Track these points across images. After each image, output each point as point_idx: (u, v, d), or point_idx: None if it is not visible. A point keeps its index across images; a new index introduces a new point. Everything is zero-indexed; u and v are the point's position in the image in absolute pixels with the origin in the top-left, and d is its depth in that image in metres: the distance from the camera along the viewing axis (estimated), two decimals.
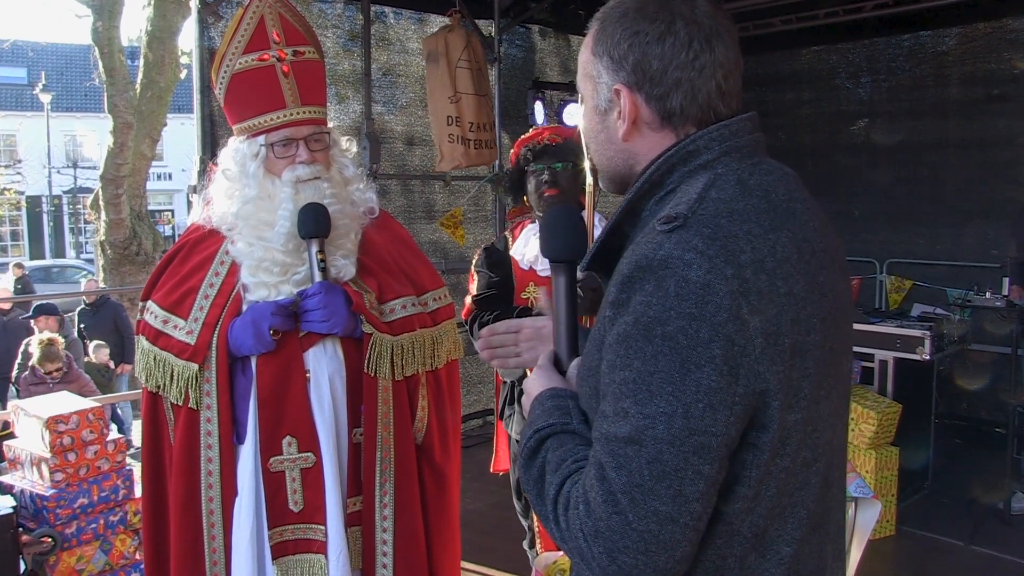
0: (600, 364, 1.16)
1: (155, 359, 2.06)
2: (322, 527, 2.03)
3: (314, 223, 2.00)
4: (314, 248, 2.02)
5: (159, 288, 2.14)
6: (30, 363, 6.83)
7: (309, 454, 2.03)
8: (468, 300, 3.01)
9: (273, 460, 2.02)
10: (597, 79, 1.26)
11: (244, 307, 2.06)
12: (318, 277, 2.01)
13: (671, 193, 1.20)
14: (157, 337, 2.07)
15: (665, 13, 1.20)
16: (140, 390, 2.15)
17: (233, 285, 2.07)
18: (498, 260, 2.98)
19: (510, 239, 3.05)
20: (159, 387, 2.05)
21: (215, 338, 2.02)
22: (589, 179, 2.52)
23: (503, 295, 2.92)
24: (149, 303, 2.14)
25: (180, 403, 2.03)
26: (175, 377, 2.02)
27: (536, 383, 1.36)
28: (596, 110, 1.29)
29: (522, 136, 3.04)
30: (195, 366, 2.01)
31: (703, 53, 1.20)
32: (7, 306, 8.34)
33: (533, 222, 2.95)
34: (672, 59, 1.19)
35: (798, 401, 1.13)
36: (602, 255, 1.30)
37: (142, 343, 2.12)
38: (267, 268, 2.04)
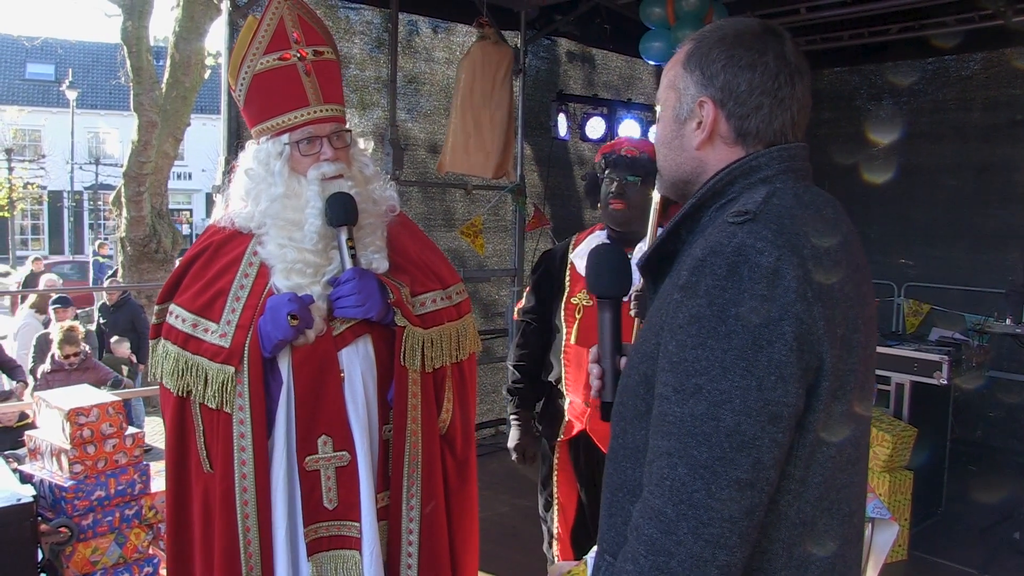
0: (656, 350, 1.23)
1: (186, 363, 2.03)
2: (356, 524, 2.04)
3: (343, 210, 2.01)
4: (343, 236, 2.02)
5: (183, 291, 2.11)
6: (49, 352, 6.87)
7: (344, 453, 2.04)
8: (521, 303, 3.20)
9: (308, 459, 2.03)
10: (683, 91, 1.38)
11: None
12: (349, 264, 2.02)
13: (731, 202, 1.31)
14: (187, 341, 2.05)
15: (760, 44, 1.34)
16: (154, 387, 2.12)
17: (264, 286, 2.05)
18: (546, 271, 3.07)
19: (572, 243, 3.07)
20: (190, 392, 2.03)
21: (248, 340, 2.00)
22: (656, 195, 2.55)
23: (540, 324, 3.06)
24: (173, 306, 2.11)
25: (216, 407, 2.00)
26: (209, 381, 2.00)
27: None
28: (676, 119, 1.40)
29: (606, 143, 3.15)
30: (231, 369, 1.99)
31: (786, 86, 1.33)
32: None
33: (603, 229, 2.98)
34: (759, 86, 1.33)
35: (844, 393, 1.21)
36: (657, 257, 1.39)
37: (166, 347, 2.09)
38: (300, 270, 2.03)
